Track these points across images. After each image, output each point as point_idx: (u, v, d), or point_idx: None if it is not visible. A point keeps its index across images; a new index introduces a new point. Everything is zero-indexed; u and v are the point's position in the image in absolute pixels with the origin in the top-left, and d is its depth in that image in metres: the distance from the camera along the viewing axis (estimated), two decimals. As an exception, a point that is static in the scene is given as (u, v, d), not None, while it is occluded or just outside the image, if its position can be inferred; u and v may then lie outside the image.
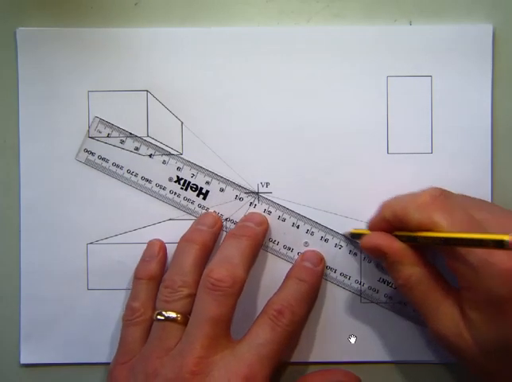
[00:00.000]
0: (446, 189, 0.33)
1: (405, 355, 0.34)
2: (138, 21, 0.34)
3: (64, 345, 0.34)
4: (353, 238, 0.33)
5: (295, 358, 0.34)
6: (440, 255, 0.30)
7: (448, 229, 0.28)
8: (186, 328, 0.30)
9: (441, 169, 0.34)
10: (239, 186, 0.34)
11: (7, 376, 0.35)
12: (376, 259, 0.32)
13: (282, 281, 0.33)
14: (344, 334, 0.34)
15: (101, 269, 0.34)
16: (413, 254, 0.29)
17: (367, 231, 0.32)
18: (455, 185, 0.33)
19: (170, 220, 0.34)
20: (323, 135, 0.34)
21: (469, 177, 0.34)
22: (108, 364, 0.33)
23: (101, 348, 0.34)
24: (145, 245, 0.34)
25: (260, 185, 0.34)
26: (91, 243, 0.34)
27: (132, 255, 0.34)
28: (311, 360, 0.34)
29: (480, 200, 0.32)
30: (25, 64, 0.34)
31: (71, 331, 0.34)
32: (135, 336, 0.32)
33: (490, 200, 0.34)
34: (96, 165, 0.34)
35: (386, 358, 0.34)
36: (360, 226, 0.34)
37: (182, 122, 0.34)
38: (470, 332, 0.28)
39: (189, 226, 0.34)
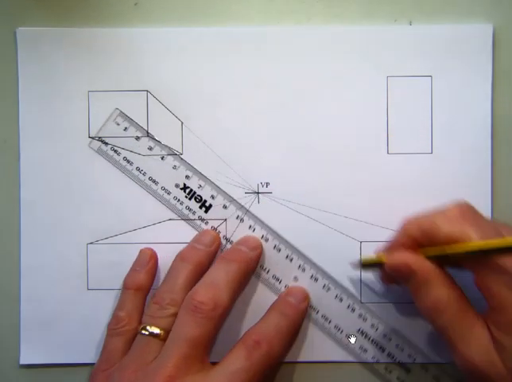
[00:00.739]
0: (446, 189, 0.33)
1: (405, 355, 0.34)
2: (138, 22, 0.34)
3: (63, 345, 0.34)
4: (364, 267, 0.33)
5: (294, 358, 0.34)
6: (463, 281, 0.29)
7: (480, 241, 0.27)
8: (164, 345, 0.30)
9: (441, 169, 0.34)
10: (242, 206, 0.34)
11: (7, 376, 0.35)
12: (400, 279, 0.29)
13: (265, 312, 0.33)
14: (344, 334, 0.34)
15: (101, 269, 0.34)
16: (442, 274, 0.28)
17: (382, 258, 0.30)
18: (455, 185, 0.34)
19: (170, 220, 0.34)
20: (323, 135, 0.34)
21: (469, 177, 0.34)
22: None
23: (100, 349, 0.34)
24: (145, 245, 0.34)
25: (260, 185, 0.34)
26: (91, 243, 0.34)
27: (132, 255, 0.34)
28: (310, 359, 0.34)
29: (501, 223, 0.31)
30: (25, 64, 0.34)
31: (71, 331, 0.34)
32: (117, 345, 0.32)
33: (490, 200, 0.34)
34: (107, 156, 0.34)
35: (387, 358, 0.34)
36: (360, 226, 0.34)
37: (182, 122, 0.34)
38: (502, 358, 0.26)
39: (189, 227, 0.34)
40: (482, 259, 0.27)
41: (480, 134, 0.34)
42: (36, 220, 0.34)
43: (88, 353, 0.34)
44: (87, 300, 0.34)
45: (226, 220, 0.34)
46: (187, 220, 0.34)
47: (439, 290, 0.28)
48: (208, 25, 0.34)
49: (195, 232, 0.34)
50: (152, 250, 0.34)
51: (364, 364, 0.34)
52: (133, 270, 0.34)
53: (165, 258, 0.34)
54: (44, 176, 0.34)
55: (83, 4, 0.34)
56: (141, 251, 0.34)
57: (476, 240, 0.27)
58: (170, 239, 0.34)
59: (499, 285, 0.26)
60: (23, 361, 0.34)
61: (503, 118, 0.34)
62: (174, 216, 0.34)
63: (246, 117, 0.34)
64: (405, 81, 0.34)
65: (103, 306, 0.34)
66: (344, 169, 0.34)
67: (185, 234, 0.34)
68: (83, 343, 0.34)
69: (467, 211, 0.28)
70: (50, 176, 0.34)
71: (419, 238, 0.29)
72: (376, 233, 0.34)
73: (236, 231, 0.34)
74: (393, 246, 0.30)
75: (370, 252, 0.33)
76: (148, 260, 0.33)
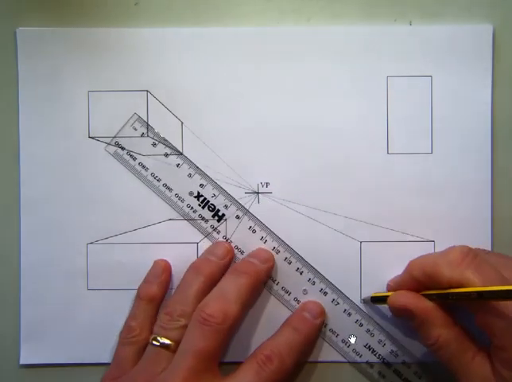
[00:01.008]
0: (446, 189, 0.33)
1: (406, 355, 0.34)
2: (138, 21, 0.34)
3: (63, 345, 0.34)
4: (373, 302, 0.33)
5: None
6: (467, 315, 0.29)
7: (480, 286, 0.28)
8: (174, 357, 0.30)
9: (441, 169, 0.34)
10: (254, 216, 0.34)
11: (6, 376, 0.35)
12: (404, 318, 0.31)
13: (280, 326, 0.33)
14: (344, 334, 0.34)
15: (101, 269, 0.34)
16: (441, 314, 0.30)
17: (390, 294, 0.32)
18: (455, 184, 0.34)
19: (170, 220, 0.34)
20: (323, 135, 0.34)
21: (469, 177, 0.34)
22: (108, 364, 0.33)
23: (100, 349, 0.34)
24: (145, 245, 0.34)
25: (260, 185, 0.34)
26: (91, 243, 0.34)
27: (132, 255, 0.34)
28: (310, 359, 0.34)
29: (498, 256, 0.32)
30: (25, 64, 0.34)
31: (71, 331, 0.34)
32: (128, 354, 0.32)
33: (490, 201, 0.34)
34: (123, 160, 0.34)
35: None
36: (359, 226, 0.34)
37: (182, 122, 0.34)
38: None
39: (189, 227, 0.34)
40: (482, 302, 0.28)
41: (480, 134, 0.34)
42: (36, 219, 0.34)
43: (88, 353, 0.34)
44: (87, 300, 0.34)
45: (226, 219, 0.34)
46: (189, 219, 0.34)
47: (438, 330, 0.29)
48: (208, 25, 0.34)
49: (196, 232, 0.34)
50: (166, 261, 0.34)
51: (368, 376, 0.34)
52: (146, 281, 0.34)
53: (165, 258, 0.34)
54: (44, 176, 0.34)
55: (82, 4, 0.34)
56: (155, 263, 0.34)
57: (477, 285, 0.28)
58: (170, 239, 0.34)
59: (500, 326, 0.27)
60: (23, 361, 0.34)
61: (503, 118, 0.34)
62: (174, 215, 0.34)
63: (246, 117, 0.34)
64: (405, 81, 0.34)
65: (103, 306, 0.34)
66: (344, 169, 0.34)
67: (185, 234, 0.34)
68: (83, 343, 0.34)
69: (469, 255, 0.29)
70: (50, 176, 0.34)
71: (422, 280, 0.30)
72: (376, 233, 0.34)
73: (248, 242, 0.34)
74: (398, 285, 0.32)
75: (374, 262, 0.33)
76: (161, 272, 0.34)
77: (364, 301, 0.34)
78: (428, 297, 0.30)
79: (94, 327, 0.34)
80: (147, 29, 0.34)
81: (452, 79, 0.34)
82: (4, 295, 0.35)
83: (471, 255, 0.29)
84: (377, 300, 0.33)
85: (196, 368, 0.29)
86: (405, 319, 0.31)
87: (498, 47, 0.34)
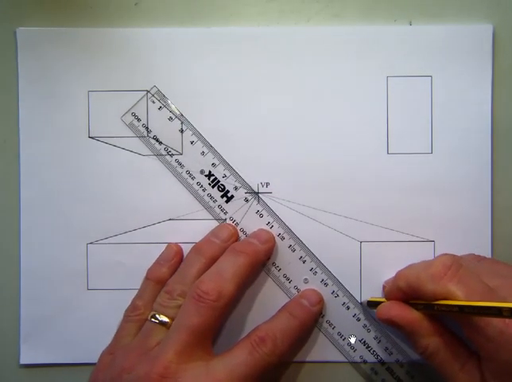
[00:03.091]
0: (446, 189, 0.33)
1: (400, 354, 0.34)
2: (138, 21, 0.34)
3: (63, 345, 0.34)
4: (369, 306, 0.33)
5: (295, 357, 0.34)
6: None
7: (464, 299, 0.27)
8: (167, 331, 0.31)
9: (441, 169, 0.34)
10: (263, 201, 0.34)
11: (7, 376, 0.35)
12: (394, 328, 0.31)
13: (276, 311, 0.33)
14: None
15: (101, 269, 0.34)
16: (429, 323, 0.29)
17: (384, 299, 0.32)
18: (455, 185, 0.34)
19: (170, 220, 0.34)
20: (323, 135, 0.34)
21: (469, 177, 0.34)
22: (108, 364, 0.33)
23: (101, 349, 0.34)
24: (145, 245, 0.34)
25: (260, 185, 0.34)
26: (91, 243, 0.34)
27: (132, 255, 0.34)
28: (310, 359, 0.34)
29: (490, 263, 0.32)
30: (25, 64, 0.34)
31: (72, 331, 0.34)
32: (130, 331, 0.32)
33: (490, 201, 0.34)
34: (138, 131, 0.34)
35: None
36: (360, 226, 0.34)
37: (182, 122, 0.34)
38: None
39: (189, 227, 0.34)
40: (465, 315, 0.27)
41: (480, 134, 0.34)
42: (36, 220, 0.34)
43: (88, 353, 0.34)
44: (87, 300, 0.34)
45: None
46: (207, 209, 0.34)
47: (426, 340, 0.29)
48: (208, 25, 0.34)
49: (196, 231, 0.34)
50: (178, 246, 0.34)
51: (361, 372, 0.34)
52: (157, 263, 0.34)
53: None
54: (44, 176, 0.34)
55: (83, 4, 0.34)
56: (167, 246, 0.34)
57: (460, 299, 0.27)
58: (170, 239, 0.34)
59: (483, 341, 0.27)
60: (23, 361, 0.34)
61: (503, 118, 0.34)
62: (174, 215, 0.34)
63: (245, 117, 0.34)
64: (405, 81, 0.34)
65: (103, 306, 0.34)
66: (344, 169, 0.34)
67: (185, 234, 0.34)
68: (83, 343, 0.34)
69: (452, 267, 0.29)
70: (50, 176, 0.34)
71: (408, 292, 0.30)
72: (376, 233, 0.34)
73: (254, 226, 0.34)
74: (388, 294, 0.31)
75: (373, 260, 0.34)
76: (173, 256, 0.34)
77: (362, 304, 0.34)
78: (416, 306, 0.30)
79: (94, 327, 0.34)
80: (147, 29, 0.34)
81: (452, 79, 0.34)
82: (4, 295, 0.35)
83: (455, 267, 0.29)
84: (372, 305, 0.33)
85: (189, 342, 0.29)
86: (395, 329, 0.31)
87: (498, 47, 0.34)
